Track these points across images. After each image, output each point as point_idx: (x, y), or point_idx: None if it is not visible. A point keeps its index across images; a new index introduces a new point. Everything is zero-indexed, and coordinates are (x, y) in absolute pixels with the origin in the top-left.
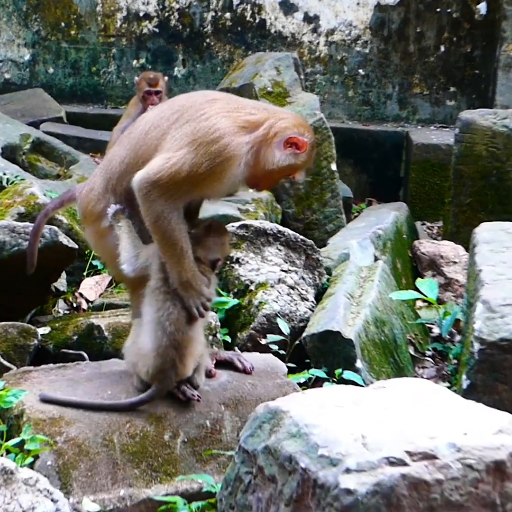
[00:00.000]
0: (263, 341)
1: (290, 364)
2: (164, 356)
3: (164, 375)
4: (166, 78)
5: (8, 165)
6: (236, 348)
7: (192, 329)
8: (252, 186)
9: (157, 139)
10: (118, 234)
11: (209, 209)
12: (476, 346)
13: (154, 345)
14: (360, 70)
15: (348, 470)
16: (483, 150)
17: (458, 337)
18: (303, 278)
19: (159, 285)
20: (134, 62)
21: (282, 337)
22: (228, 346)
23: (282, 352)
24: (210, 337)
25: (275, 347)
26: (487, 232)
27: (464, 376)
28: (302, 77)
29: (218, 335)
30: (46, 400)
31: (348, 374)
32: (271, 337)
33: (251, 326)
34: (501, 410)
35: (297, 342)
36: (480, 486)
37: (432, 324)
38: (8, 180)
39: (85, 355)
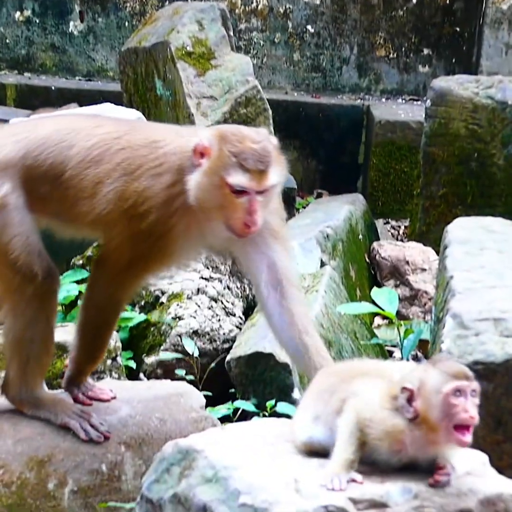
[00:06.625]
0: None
1: (207, 392)
2: None
3: None
4: None
5: None
6: (141, 374)
7: None
8: None
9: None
10: None
11: None
12: None
13: None
14: (309, 27)
15: None
16: (461, 127)
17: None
18: (228, 288)
19: None
20: (17, 14)
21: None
22: (132, 373)
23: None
24: (109, 361)
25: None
26: (462, 230)
27: None
28: (231, 33)
29: (119, 359)
30: None
31: (283, 407)
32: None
33: (162, 347)
34: (474, 448)
35: (213, 365)
36: None
37: (394, 345)
38: None
39: None
